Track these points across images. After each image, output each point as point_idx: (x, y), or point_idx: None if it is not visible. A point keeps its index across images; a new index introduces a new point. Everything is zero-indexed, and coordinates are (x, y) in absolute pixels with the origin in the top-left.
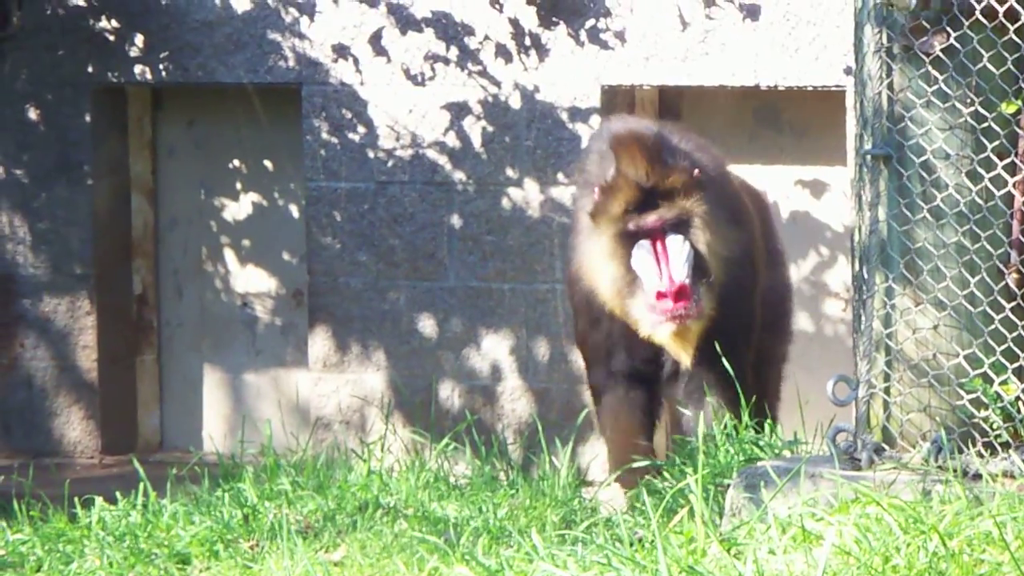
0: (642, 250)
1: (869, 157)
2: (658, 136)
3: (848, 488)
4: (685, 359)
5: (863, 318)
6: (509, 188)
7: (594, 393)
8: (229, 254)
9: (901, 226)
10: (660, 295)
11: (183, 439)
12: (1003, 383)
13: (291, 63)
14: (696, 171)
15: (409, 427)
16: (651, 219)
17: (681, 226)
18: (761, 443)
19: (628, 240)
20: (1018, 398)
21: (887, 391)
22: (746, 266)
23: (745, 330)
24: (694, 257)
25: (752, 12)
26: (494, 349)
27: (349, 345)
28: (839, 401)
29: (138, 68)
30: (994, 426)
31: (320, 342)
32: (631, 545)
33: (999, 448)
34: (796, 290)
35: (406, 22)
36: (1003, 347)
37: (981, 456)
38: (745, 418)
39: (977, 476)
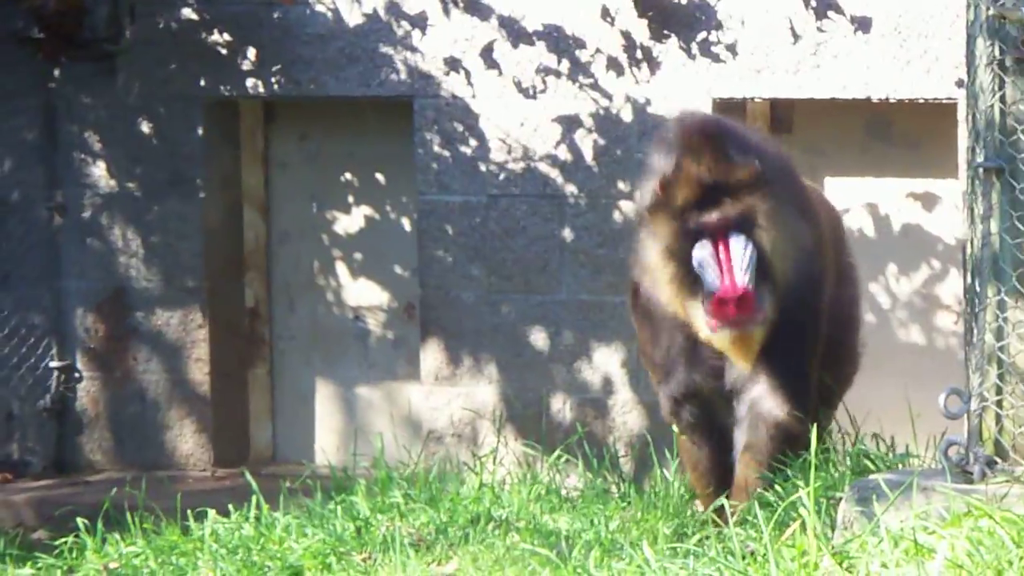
0: (703, 249)
1: (981, 170)
2: (723, 130)
3: (960, 501)
4: (745, 365)
5: (975, 331)
6: (620, 201)
7: (667, 413)
8: (341, 267)
9: (1014, 239)
10: (720, 300)
11: (295, 452)
12: None
13: (403, 76)
14: (761, 167)
15: (521, 440)
16: (713, 217)
17: (744, 225)
18: (872, 455)
19: (689, 238)
20: None
21: (999, 404)
22: (813, 270)
23: (810, 339)
24: (757, 258)
25: (864, 24)
26: (605, 362)
27: (461, 358)
28: (951, 414)
29: (250, 81)
30: None
31: (432, 355)
32: (743, 559)
33: None
34: (908, 303)
35: (517, 35)
36: None
37: None
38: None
39: None
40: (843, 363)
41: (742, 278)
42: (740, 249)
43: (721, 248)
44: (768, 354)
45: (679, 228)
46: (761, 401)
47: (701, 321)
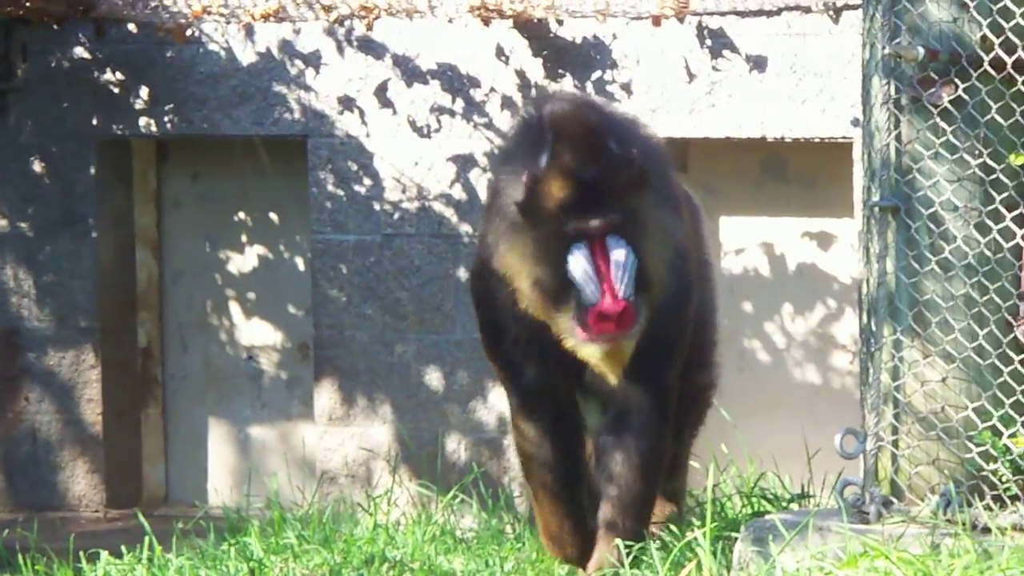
0: (580, 256)
1: (877, 209)
2: (603, 119)
3: (857, 541)
4: (613, 379)
5: (871, 370)
6: None
7: (515, 416)
8: (234, 307)
9: (909, 278)
10: (600, 314)
11: (189, 493)
12: (1012, 435)
13: (296, 115)
14: (646, 166)
15: (416, 480)
16: (594, 223)
17: (625, 230)
18: (768, 496)
19: (563, 242)
20: None
21: (895, 444)
22: (685, 277)
23: (677, 349)
24: (637, 268)
25: (759, 64)
26: (500, 402)
27: (355, 398)
28: (847, 454)
29: (143, 120)
30: (1003, 479)
31: (326, 395)
32: None
33: (1008, 501)
34: (803, 342)
35: (412, 74)
36: (1012, 399)
37: (990, 509)
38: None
39: (987, 529)
40: (699, 369)
41: (624, 291)
42: (622, 259)
43: (600, 257)
44: (636, 368)
45: (552, 231)
46: (628, 428)
47: (569, 331)
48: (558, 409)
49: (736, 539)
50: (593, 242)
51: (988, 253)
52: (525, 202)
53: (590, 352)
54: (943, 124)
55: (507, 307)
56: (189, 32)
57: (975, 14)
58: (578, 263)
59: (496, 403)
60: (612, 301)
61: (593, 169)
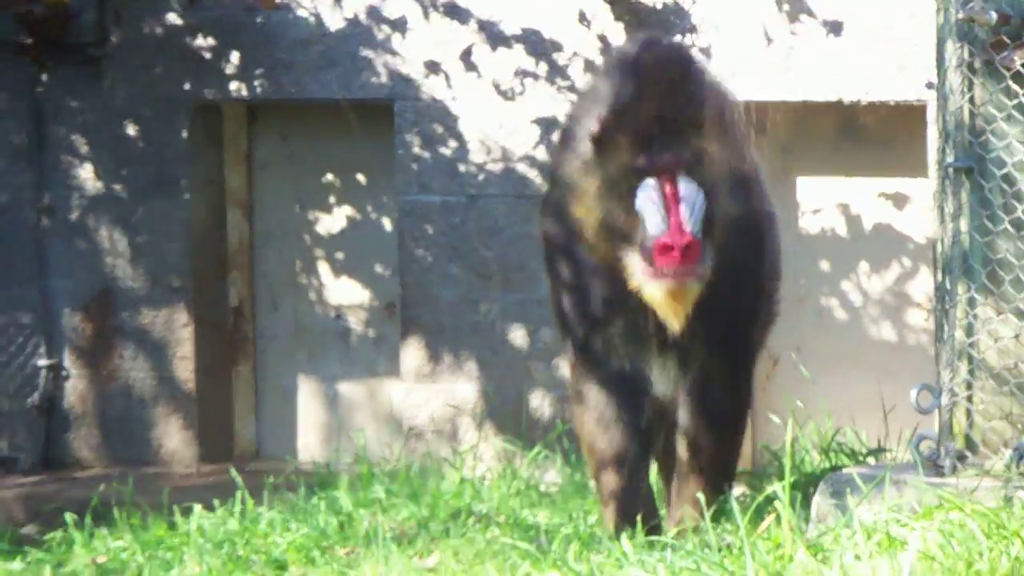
0: (649, 190)
1: (951, 170)
2: (689, 66)
3: (932, 494)
4: (675, 324)
5: (945, 328)
6: None
7: (576, 377)
8: (323, 267)
9: (983, 237)
10: (664, 247)
11: (279, 449)
12: None
13: (383, 79)
14: (723, 115)
15: (500, 436)
16: (667, 157)
17: (697, 170)
18: (845, 451)
19: (635, 176)
20: None
21: (969, 399)
22: (758, 231)
23: (755, 305)
24: (706, 209)
25: (835, 28)
26: None
27: (441, 356)
28: (923, 409)
29: (233, 85)
30: None
31: (412, 353)
32: (719, 551)
33: None
34: (879, 301)
35: (496, 38)
36: None
37: None
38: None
39: None
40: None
41: (691, 225)
42: (692, 195)
43: (669, 193)
44: (714, 325)
45: (625, 163)
46: (707, 385)
47: (635, 268)
48: (625, 376)
49: (814, 492)
50: (663, 178)
51: None
52: (601, 134)
53: (653, 291)
54: (1016, 87)
55: (574, 248)
56: None
57: None
58: (647, 196)
59: None
60: (677, 233)
61: (672, 108)
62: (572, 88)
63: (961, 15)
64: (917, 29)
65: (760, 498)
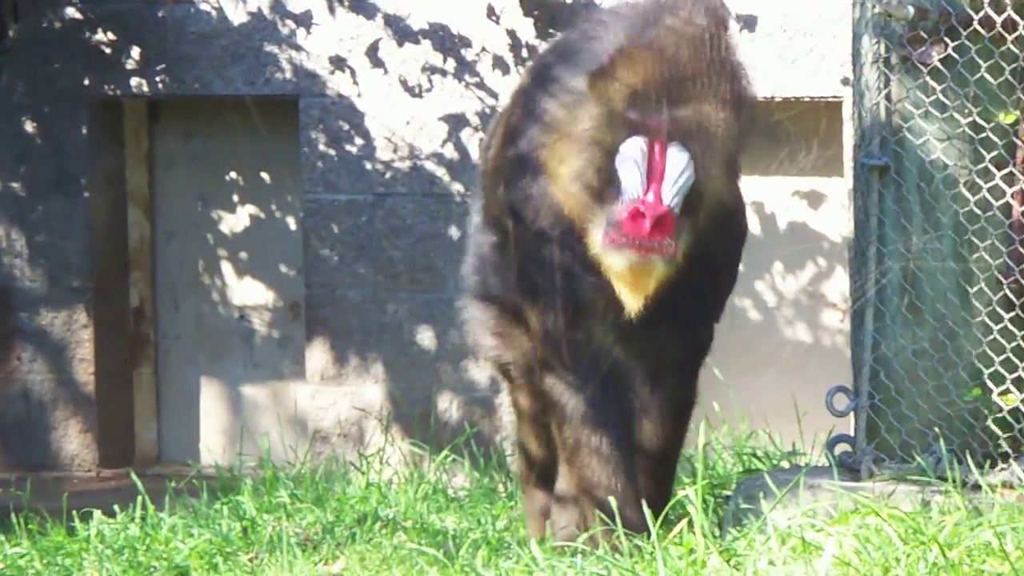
0: (635, 148)
1: (867, 167)
2: (723, 27)
3: (848, 499)
4: (633, 304)
5: (862, 329)
6: None
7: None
8: (226, 266)
9: (899, 237)
10: (635, 213)
11: (181, 452)
12: (1002, 393)
13: (288, 75)
14: (744, 95)
15: (408, 439)
16: (665, 118)
17: (694, 144)
18: (759, 454)
19: (623, 129)
20: (1017, 408)
21: (885, 402)
22: (740, 228)
23: (722, 301)
24: (692, 187)
25: (749, 23)
26: None
27: (347, 357)
28: (838, 412)
29: (134, 81)
30: (993, 436)
31: (318, 355)
32: (631, 556)
33: (998, 459)
34: (794, 301)
35: (403, 34)
36: (1002, 357)
37: (980, 467)
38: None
39: (976, 487)
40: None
41: (669, 197)
42: (680, 166)
43: (657, 155)
44: (676, 315)
45: (619, 112)
46: (657, 385)
47: (600, 235)
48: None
49: (728, 497)
50: (655, 139)
51: (977, 211)
52: (602, 72)
53: (613, 261)
54: (933, 83)
55: (540, 204)
56: None
57: None
58: (630, 154)
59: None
60: (655, 199)
61: (690, 67)
62: (481, 84)
63: (878, 9)
64: (833, 24)
65: (672, 502)
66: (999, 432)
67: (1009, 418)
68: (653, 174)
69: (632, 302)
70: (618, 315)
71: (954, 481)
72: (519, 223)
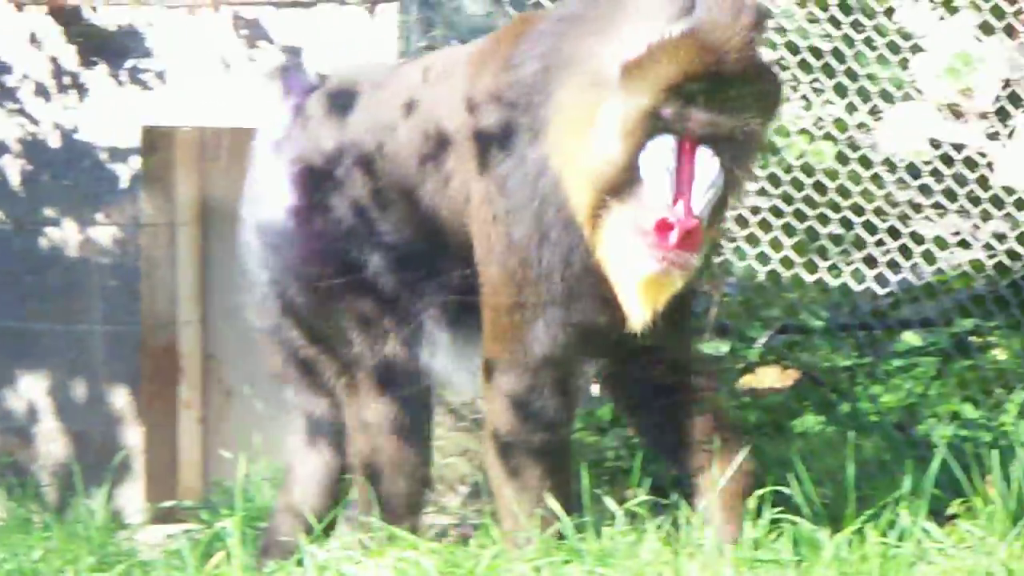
0: (666, 150)
1: None
2: (762, 18)
3: (386, 531)
4: (639, 317)
5: None
6: (47, 228)
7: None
8: None
9: None
10: (663, 223)
11: None
12: None
13: None
14: (779, 96)
15: None
16: (704, 120)
17: (725, 147)
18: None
19: (654, 126)
20: None
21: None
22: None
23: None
24: (719, 195)
25: (296, 54)
26: (31, 390)
27: None
28: None
29: None
30: None
31: None
32: None
33: None
34: None
35: None
36: None
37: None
38: None
39: None
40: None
41: (700, 207)
42: (711, 175)
43: (687, 161)
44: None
45: (646, 108)
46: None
47: (612, 238)
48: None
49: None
50: (688, 142)
51: None
52: (638, 65)
53: (630, 270)
54: None
55: (551, 208)
56: None
57: (508, 8)
58: (659, 152)
59: (27, 391)
60: (686, 212)
61: (738, 68)
62: (22, 111)
63: (423, 43)
64: (383, 55)
65: (209, 534)
66: None
67: None
68: (683, 181)
69: (639, 314)
70: (613, 319)
71: (492, 514)
72: (500, 210)
